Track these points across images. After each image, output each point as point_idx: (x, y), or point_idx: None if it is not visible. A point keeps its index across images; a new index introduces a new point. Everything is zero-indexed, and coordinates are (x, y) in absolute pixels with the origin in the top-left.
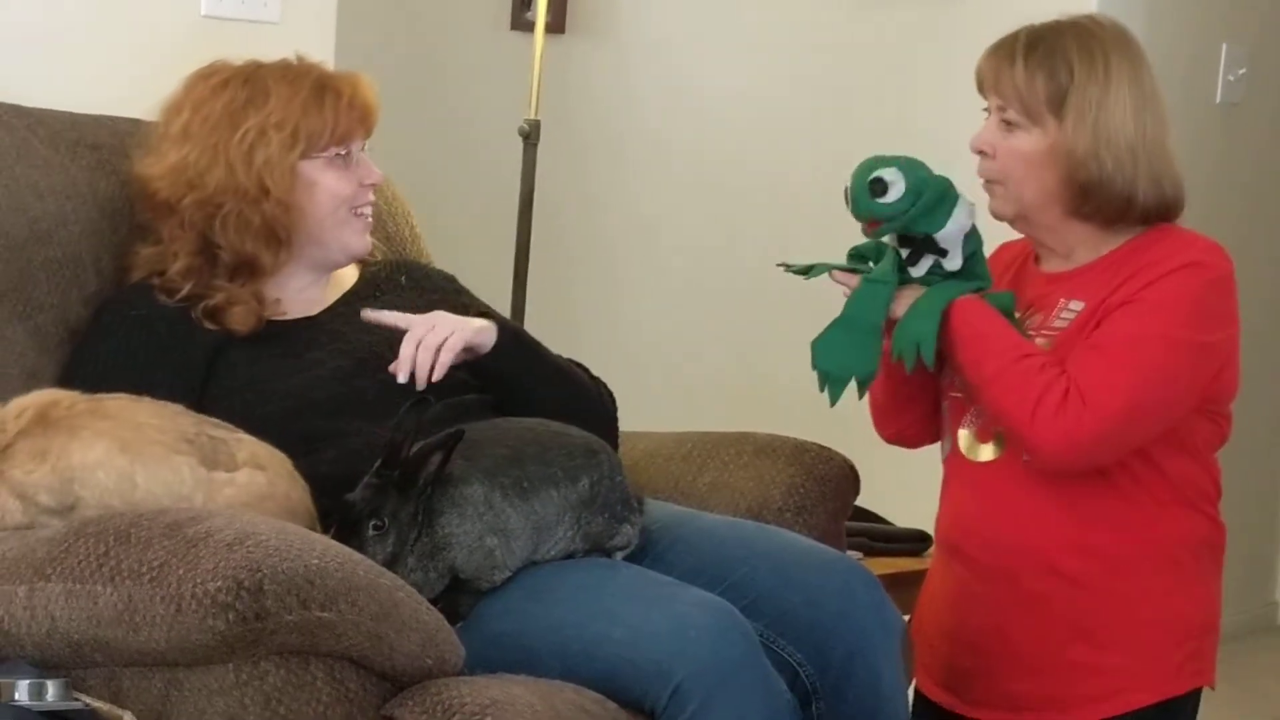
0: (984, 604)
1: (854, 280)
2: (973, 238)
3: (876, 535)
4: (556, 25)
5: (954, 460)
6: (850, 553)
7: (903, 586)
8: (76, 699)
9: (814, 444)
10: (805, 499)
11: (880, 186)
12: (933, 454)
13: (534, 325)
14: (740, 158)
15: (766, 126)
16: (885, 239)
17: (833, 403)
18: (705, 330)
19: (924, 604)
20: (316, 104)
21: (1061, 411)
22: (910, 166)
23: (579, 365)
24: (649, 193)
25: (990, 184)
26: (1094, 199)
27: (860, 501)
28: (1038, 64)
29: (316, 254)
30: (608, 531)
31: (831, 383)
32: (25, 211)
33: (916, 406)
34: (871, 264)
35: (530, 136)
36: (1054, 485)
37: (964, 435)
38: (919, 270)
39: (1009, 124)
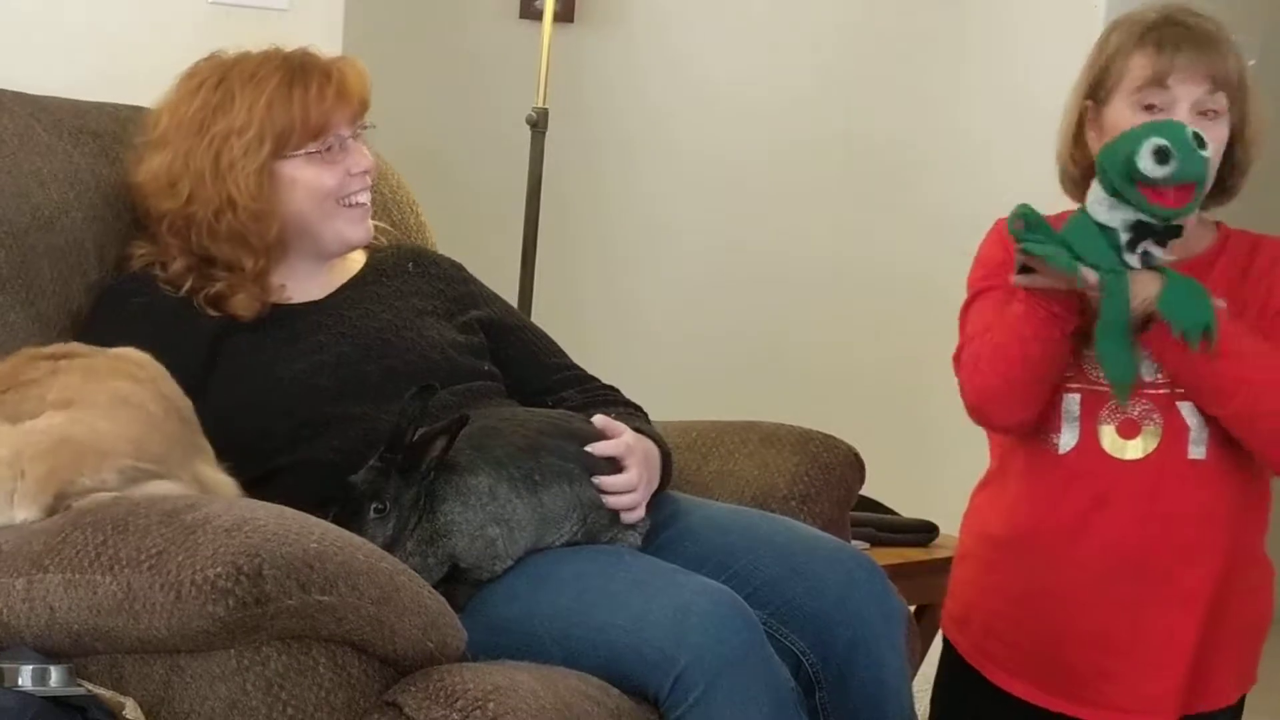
0: (1110, 602)
1: (1093, 278)
2: None
3: (883, 525)
4: (565, 14)
5: (1083, 456)
6: (857, 543)
7: (909, 577)
8: (79, 685)
9: (819, 433)
10: (810, 487)
11: (1200, 140)
12: (939, 445)
13: (541, 313)
14: (750, 146)
15: (776, 116)
16: (1106, 219)
17: (1124, 402)
18: (712, 319)
19: (995, 597)
20: (283, 101)
21: None
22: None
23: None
24: (657, 181)
25: None
26: (1242, 182)
27: (866, 491)
28: (1229, 46)
29: (312, 246)
30: (610, 534)
31: (1120, 390)
32: (28, 199)
33: (1049, 391)
34: (1047, 240)
35: (538, 125)
36: (1215, 483)
37: (1107, 431)
38: (1135, 259)
39: (1214, 113)
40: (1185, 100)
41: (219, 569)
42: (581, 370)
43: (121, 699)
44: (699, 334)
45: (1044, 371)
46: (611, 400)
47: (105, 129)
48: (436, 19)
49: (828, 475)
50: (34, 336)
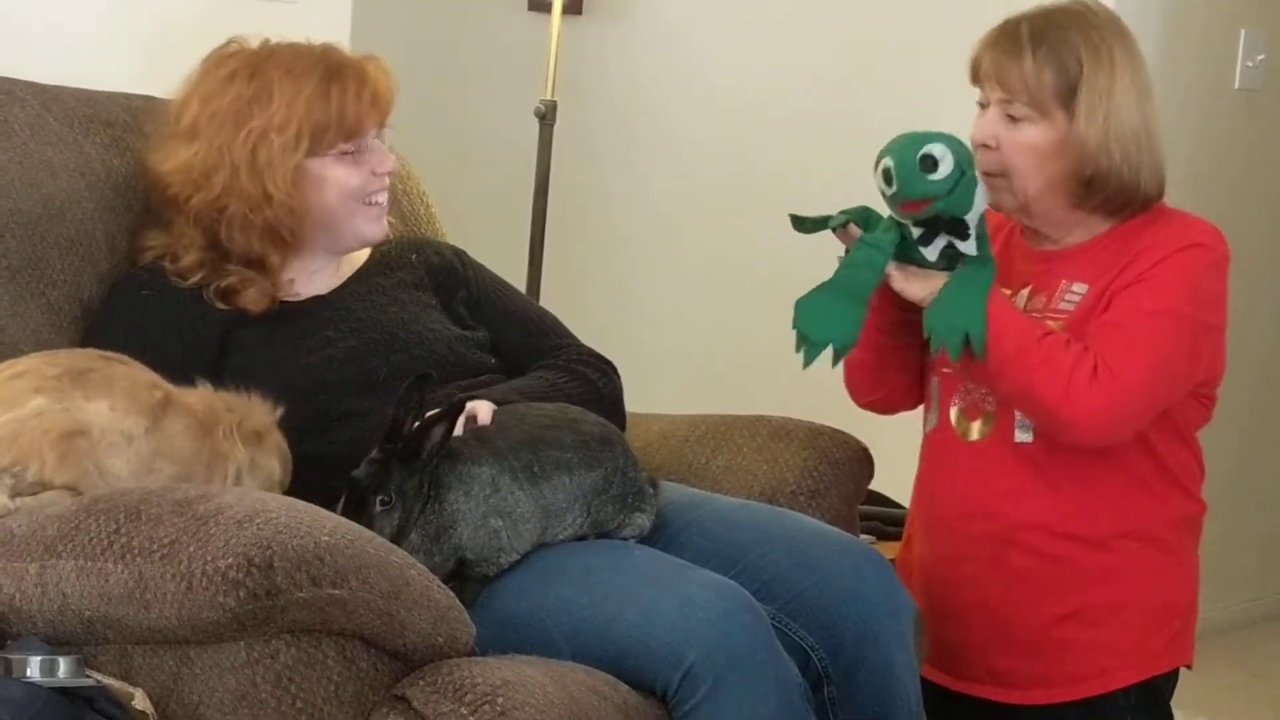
0: (971, 580)
1: (855, 235)
2: (983, 221)
3: (889, 519)
4: (573, 6)
5: (940, 436)
6: (863, 537)
7: None
8: (88, 676)
9: (828, 427)
10: (819, 482)
11: (931, 163)
12: None
13: (549, 305)
14: (756, 140)
15: (782, 109)
16: (899, 217)
17: (806, 364)
18: (719, 312)
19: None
20: (322, 100)
21: (1094, 386)
22: (954, 143)
23: (581, 369)
24: (665, 173)
25: (992, 177)
26: (1100, 191)
27: (874, 485)
28: (1046, 57)
29: (329, 241)
30: (618, 520)
31: (809, 345)
32: (39, 188)
33: (898, 376)
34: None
35: (546, 117)
36: (1041, 465)
37: (954, 412)
38: (933, 252)
39: (1013, 117)
40: (992, 99)
41: (230, 560)
42: (569, 342)
43: (130, 689)
44: (707, 327)
45: (875, 358)
46: (562, 367)
47: (116, 118)
48: (445, 10)
49: (837, 471)
50: (45, 327)
